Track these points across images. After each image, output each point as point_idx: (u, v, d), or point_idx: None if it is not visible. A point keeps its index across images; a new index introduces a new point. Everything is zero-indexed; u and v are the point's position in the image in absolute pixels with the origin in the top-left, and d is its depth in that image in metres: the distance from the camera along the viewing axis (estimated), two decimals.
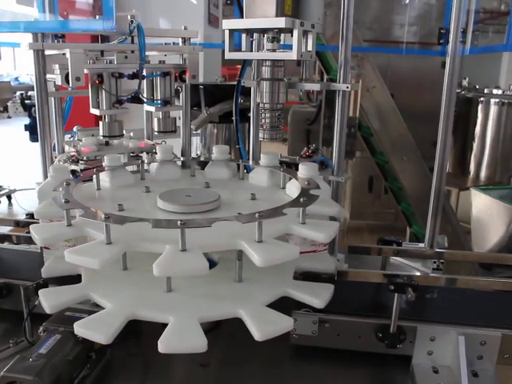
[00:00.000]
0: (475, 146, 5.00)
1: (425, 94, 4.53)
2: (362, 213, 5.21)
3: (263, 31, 1.61)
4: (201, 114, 2.48)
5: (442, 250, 2.05)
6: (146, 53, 1.89)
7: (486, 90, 5.02)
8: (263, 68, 1.63)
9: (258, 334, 1.13)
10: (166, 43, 1.96)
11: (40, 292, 1.28)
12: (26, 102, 4.99)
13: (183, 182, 1.73)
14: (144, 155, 1.99)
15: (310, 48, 1.57)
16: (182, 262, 1.08)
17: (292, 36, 1.51)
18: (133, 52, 1.71)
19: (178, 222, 1.10)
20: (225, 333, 1.49)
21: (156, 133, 1.85)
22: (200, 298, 1.27)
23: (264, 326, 1.15)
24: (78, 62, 1.51)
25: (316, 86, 1.67)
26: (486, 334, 1.31)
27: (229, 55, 1.61)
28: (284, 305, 1.32)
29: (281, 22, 1.46)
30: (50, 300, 1.25)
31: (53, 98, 1.86)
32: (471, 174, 5.08)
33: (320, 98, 4.49)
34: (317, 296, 1.30)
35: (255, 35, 1.73)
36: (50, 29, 1.58)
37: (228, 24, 1.57)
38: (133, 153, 1.97)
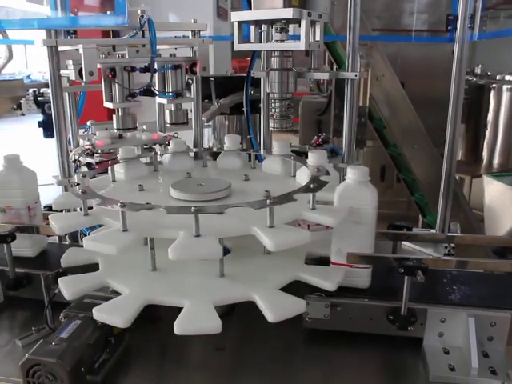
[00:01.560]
0: (488, 133, 4.97)
1: (436, 82, 4.49)
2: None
3: (271, 22, 1.64)
4: (212, 106, 2.51)
5: (453, 234, 2.06)
6: (157, 46, 1.92)
7: (498, 77, 4.98)
8: (272, 59, 1.66)
9: (271, 316, 1.17)
10: (176, 37, 1.99)
11: (60, 280, 1.33)
12: (39, 99, 5.06)
13: (196, 173, 1.76)
14: (157, 147, 2.03)
15: (317, 38, 1.59)
16: (196, 247, 1.12)
17: (300, 26, 1.54)
18: (144, 46, 1.74)
19: (192, 209, 1.13)
20: (239, 317, 1.52)
21: (168, 125, 1.88)
22: (214, 283, 1.31)
23: (277, 308, 1.18)
24: (91, 57, 1.55)
25: (325, 75, 1.69)
26: (496, 315, 1.33)
27: (238, 47, 1.64)
28: (297, 289, 1.36)
29: (288, 13, 1.48)
30: (69, 287, 1.30)
31: (67, 94, 1.91)
32: (484, 161, 5.05)
33: (330, 88, 4.49)
34: (328, 279, 1.33)
35: (264, 26, 1.75)
36: (63, 25, 1.62)
37: (236, 16, 1.59)
38: (146, 145, 2.01)
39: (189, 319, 1.15)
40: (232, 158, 1.79)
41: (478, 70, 6.19)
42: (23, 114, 5.09)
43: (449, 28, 2.10)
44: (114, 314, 1.18)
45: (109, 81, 1.64)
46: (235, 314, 1.52)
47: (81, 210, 1.33)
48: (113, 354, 1.33)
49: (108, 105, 1.64)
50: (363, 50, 2.70)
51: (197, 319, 1.16)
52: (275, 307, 1.19)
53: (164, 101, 1.80)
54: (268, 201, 1.18)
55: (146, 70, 1.62)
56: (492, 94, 4.92)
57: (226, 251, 1.54)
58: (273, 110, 1.71)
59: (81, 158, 1.83)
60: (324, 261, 1.52)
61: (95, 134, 2.06)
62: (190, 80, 1.81)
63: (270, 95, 1.70)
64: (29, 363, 1.14)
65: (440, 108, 2.80)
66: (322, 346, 1.44)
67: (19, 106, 4.84)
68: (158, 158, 1.79)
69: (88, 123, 2.24)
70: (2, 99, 5.03)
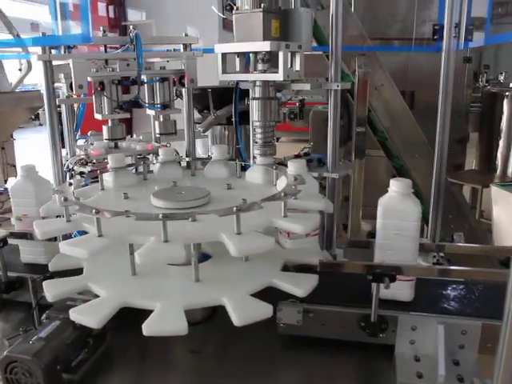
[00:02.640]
0: (501, 141, 4.89)
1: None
2: None
3: (255, 53, 1.68)
4: (209, 116, 2.57)
5: (443, 243, 2.06)
6: (150, 59, 2.01)
7: (511, 85, 4.91)
8: (255, 88, 1.71)
9: (236, 320, 1.21)
10: (174, 49, 2.06)
11: (44, 283, 1.40)
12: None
13: (184, 181, 1.82)
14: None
15: (297, 68, 1.63)
16: (161, 252, 1.17)
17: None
18: (135, 59, 1.82)
19: (160, 216, 1.19)
20: (219, 323, 1.56)
21: (158, 135, 1.95)
22: (188, 287, 1.36)
23: (243, 312, 1.22)
24: (80, 71, 1.63)
25: (306, 86, 1.72)
26: (467, 323, 1.33)
27: (222, 77, 1.70)
28: (275, 296, 1.40)
29: (266, 46, 1.53)
30: (51, 290, 1.37)
31: (63, 105, 2.00)
32: (498, 170, 4.97)
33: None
34: (299, 286, 1.36)
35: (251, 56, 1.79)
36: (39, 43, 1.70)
37: (219, 48, 1.66)
38: (140, 155, 2.08)
39: (157, 321, 1.20)
40: (218, 167, 1.85)
41: (501, 78, 6.12)
42: (41, 124, 5.25)
43: (435, 37, 2.12)
44: (88, 315, 1.24)
45: (99, 93, 1.72)
46: (216, 319, 1.56)
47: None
48: (92, 354, 1.39)
49: (98, 116, 1.72)
50: (361, 59, 2.72)
51: (165, 321, 1.21)
52: (241, 311, 1.23)
53: (152, 112, 1.87)
54: (234, 208, 1.22)
55: (133, 82, 1.70)
56: (505, 102, 4.86)
57: (207, 257, 1.59)
58: (257, 136, 1.75)
59: (75, 167, 1.91)
60: (305, 268, 1.55)
61: (93, 144, 2.15)
62: (178, 91, 1.87)
63: (254, 123, 1.74)
64: (6, 360, 1.21)
65: (455, 117, 2.80)
66: (298, 352, 1.47)
67: (37, 117, 5.01)
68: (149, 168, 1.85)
69: (89, 134, 2.33)
70: (21, 110, 5.24)
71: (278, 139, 8.90)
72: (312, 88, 1.72)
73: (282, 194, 1.35)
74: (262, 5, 1.58)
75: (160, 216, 1.18)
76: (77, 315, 1.25)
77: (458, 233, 2.83)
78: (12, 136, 6.11)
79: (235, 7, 1.69)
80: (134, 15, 3.82)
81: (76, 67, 1.61)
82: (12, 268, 1.70)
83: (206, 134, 2.57)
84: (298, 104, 3.68)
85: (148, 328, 1.18)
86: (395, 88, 2.88)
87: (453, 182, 4.31)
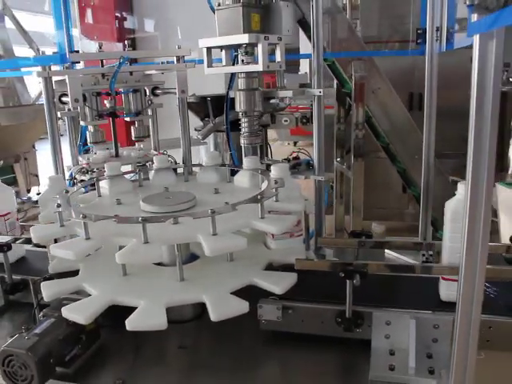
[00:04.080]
0: None
1: (454, 91, 4.46)
2: (400, 213, 5.18)
3: (237, 46, 1.78)
4: (208, 124, 2.67)
5: (434, 242, 2.09)
6: (147, 72, 2.12)
7: None
8: (239, 80, 1.79)
9: (213, 315, 1.29)
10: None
11: (42, 284, 1.51)
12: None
13: (176, 187, 1.91)
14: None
15: (278, 59, 1.71)
16: (139, 252, 1.26)
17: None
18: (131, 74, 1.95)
19: (140, 219, 1.28)
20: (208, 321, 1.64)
21: (133, 138, 2.14)
22: (173, 286, 1.45)
23: (219, 308, 1.31)
24: (76, 86, 1.75)
25: (289, 93, 1.80)
26: (438, 318, 1.38)
27: (207, 71, 1.79)
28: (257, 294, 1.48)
29: (245, 38, 1.62)
30: (48, 290, 1.48)
31: (66, 117, 2.13)
32: (510, 170, 4.91)
33: (349, 102, 4.54)
34: (277, 284, 1.44)
35: (239, 50, 1.89)
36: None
37: (203, 43, 1.75)
38: (139, 162, 2.19)
39: (139, 317, 1.30)
40: (210, 173, 1.94)
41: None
42: (61, 135, 5.46)
43: (418, 41, 2.17)
44: (78, 312, 1.34)
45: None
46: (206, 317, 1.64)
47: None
48: (86, 349, 1.49)
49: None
50: (357, 64, 2.78)
51: (146, 317, 1.30)
52: (218, 307, 1.31)
53: (127, 119, 2.05)
54: (209, 211, 1.31)
55: (108, 94, 1.84)
56: None
57: (195, 257, 1.68)
58: (243, 126, 1.84)
59: (77, 176, 2.03)
60: (290, 268, 1.62)
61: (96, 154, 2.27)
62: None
63: (240, 114, 1.83)
64: (4, 354, 1.32)
65: (459, 117, 2.82)
66: (281, 347, 1.53)
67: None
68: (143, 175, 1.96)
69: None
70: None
71: (295, 143, 8.98)
72: (294, 95, 1.79)
73: (259, 197, 1.43)
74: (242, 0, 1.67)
75: (139, 219, 1.28)
76: (68, 312, 1.36)
77: None
78: (34, 147, 6.36)
79: (217, 3, 1.78)
80: (142, 25, 4.00)
81: (71, 82, 1.72)
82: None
83: (205, 141, 2.66)
84: (310, 108, 3.76)
85: (130, 323, 1.28)
86: (393, 91, 2.92)
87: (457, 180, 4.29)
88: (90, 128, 1.98)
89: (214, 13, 1.87)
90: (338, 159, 3.63)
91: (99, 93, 1.86)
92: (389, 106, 2.91)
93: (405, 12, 4.44)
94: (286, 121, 6.80)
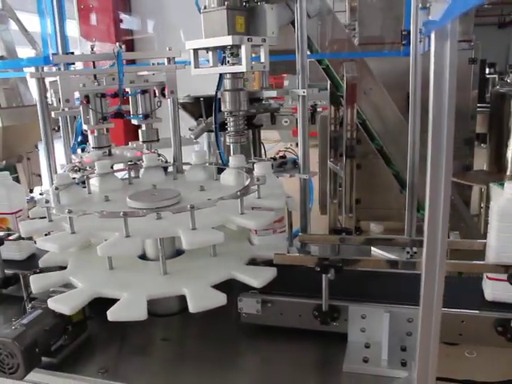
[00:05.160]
0: (510, 142, 4.86)
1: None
2: (399, 214, 5.21)
3: (224, 48, 1.83)
4: (200, 124, 2.72)
5: (419, 238, 2.13)
6: (139, 73, 2.17)
7: None
8: (225, 80, 1.84)
9: (191, 307, 1.34)
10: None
11: (31, 277, 1.57)
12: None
13: (164, 185, 1.96)
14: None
15: (262, 60, 1.76)
16: (119, 245, 1.32)
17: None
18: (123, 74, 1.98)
19: (121, 213, 1.33)
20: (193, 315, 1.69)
21: (141, 142, 2.11)
22: (156, 280, 1.50)
23: (198, 300, 1.35)
24: (67, 86, 1.80)
25: (273, 93, 1.85)
26: (411, 312, 1.42)
27: (194, 71, 1.84)
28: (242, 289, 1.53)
29: (229, 40, 1.67)
30: (36, 283, 1.53)
31: (60, 117, 2.19)
32: (508, 171, 4.93)
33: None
34: (256, 277, 1.48)
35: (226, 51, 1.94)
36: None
37: (189, 44, 1.80)
38: (131, 161, 2.24)
39: (120, 309, 1.35)
40: (197, 171, 1.99)
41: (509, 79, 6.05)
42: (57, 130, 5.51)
43: (403, 42, 2.21)
44: (63, 304, 1.40)
45: (85, 106, 1.89)
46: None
47: None
48: (72, 340, 1.54)
49: (85, 126, 1.89)
50: (349, 65, 2.82)
51: (126, 309, 1.35)
52: (197, 300, 1.36)
53: (135, 121, 2.04)
54: (188, 206, 1.36)
55: (115, 95, 1.86)
56: None
57: (180, 253, 1.73)
58: (229, 126, 1.89)
59: (70, 173, 2.08)
60: (272, 263, 1.67)
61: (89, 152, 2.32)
62: (159, 102, 2.05)
63: (226, 114, 1.88)
64: None
65: (457, 118, 2.85)
66: (261, 340, 1.58)
67: (60, 128, 5.26)
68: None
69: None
70: None
71: (297, 144, 9.01)
72: (278, 95, 1.84)
73: (239, 193, 1.48)
74: (226, 3, 1.72)
75: (121, 214, 1.33)
76: (53, 303, 1.41)
77: (455, 232, 2.88)
78: (37, 147, 6.44)
79: (203, 6, 1.83)
80: (140, 26, 4.04)
81: (63, 83, 1.78)
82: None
83: (198, 140, 2.72)
84: (311, 109, 3.80)
85: (112, 314, 1.33)
86: (384, 92, 2.96)
87: (459, 182, 4.32)
88: (94, 131, 1.95)
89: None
90: (332, 159, 3.67)
91: (104, 94, 1.86)
92: (380, 106, 2.95)
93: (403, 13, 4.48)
94: (287, 122, 6.85)
